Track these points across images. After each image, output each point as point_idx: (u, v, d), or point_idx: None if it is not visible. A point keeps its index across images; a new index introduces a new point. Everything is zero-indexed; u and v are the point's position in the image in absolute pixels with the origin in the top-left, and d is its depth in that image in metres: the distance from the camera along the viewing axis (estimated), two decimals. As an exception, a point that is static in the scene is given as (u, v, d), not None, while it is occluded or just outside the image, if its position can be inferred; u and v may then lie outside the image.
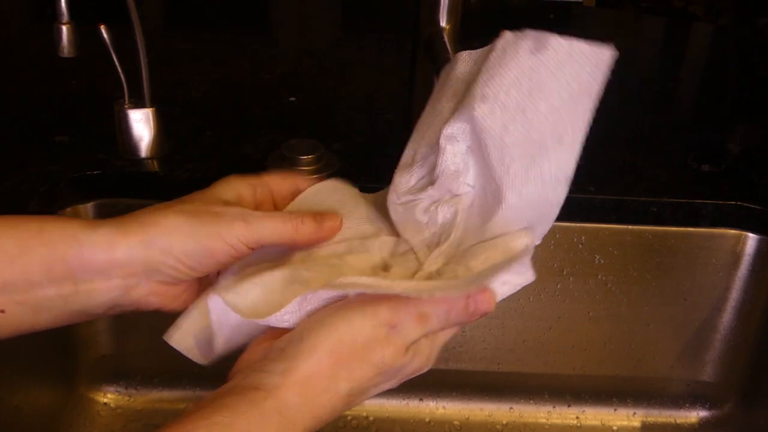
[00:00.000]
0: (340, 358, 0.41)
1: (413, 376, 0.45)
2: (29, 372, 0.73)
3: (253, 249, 0.45)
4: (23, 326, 0.44)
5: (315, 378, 0.40)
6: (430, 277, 0.45)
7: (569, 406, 0.84)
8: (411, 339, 0.43)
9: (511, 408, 0.83)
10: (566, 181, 0.42)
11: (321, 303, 0.42)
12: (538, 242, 0.45)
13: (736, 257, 0.76)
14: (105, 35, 0.67)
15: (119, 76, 0.71)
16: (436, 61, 0.65)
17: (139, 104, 0.73)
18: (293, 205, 0.49)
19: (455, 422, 0.82)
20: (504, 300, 0.78)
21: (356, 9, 1.26)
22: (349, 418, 0.82)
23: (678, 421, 0.84)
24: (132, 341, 0.80)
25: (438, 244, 0.46)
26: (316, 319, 0.42)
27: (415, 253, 0.46)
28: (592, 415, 0.84)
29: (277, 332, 0.43)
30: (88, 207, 0.73)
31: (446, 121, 0.43)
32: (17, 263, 0.42)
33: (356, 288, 0.41)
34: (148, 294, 0.45)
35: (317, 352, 0.41)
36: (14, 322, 0.44)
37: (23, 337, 0.71)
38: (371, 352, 0.41)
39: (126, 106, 0.73)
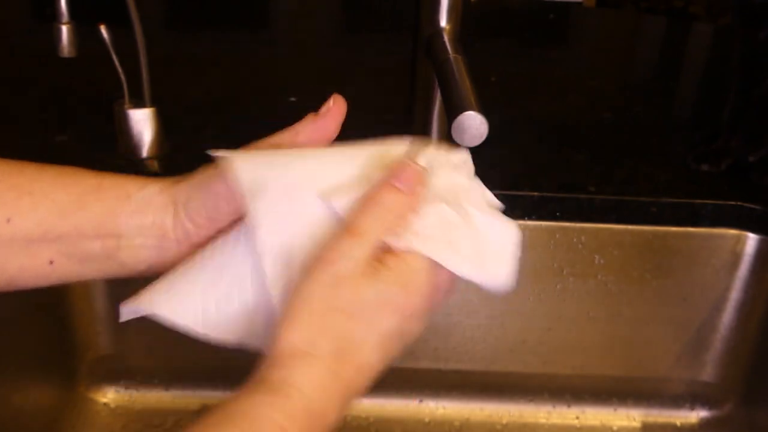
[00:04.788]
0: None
1: (409, 302, 0.42)
2: (29, 372, 0.73)
3: None
4: (70, 276, 0.46)
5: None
6: None
7: (569, 406, 0.84)
8: (363, 253, 0.40)
9: (511, 408, 0.83)
10: None
11: None
12: None
13: (736, 257, 0.76)
14: (105, 35, 0.67)
15: (119, 76, 0.71)
16: (436, 61, 0.65)
17: (139, 104, 0.73)
18: None
19: (455, 422, 0.82)
20: (504, 300, 0.78)
21: (356, 9, 1.26)
22: (348, 418, 0.82)
23: (678, 422, 0.84)
24: (132, 341, 0.80)
25: None
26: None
27: None
28: (592, 415, 0.84)
29: None
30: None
31: None
32: (72, 218, 0.44)
33: None
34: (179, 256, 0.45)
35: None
36: (61, 272, 0.45)
37: (23, 337, 0.72)
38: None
39: (126, 106, 0.73)
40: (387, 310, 0.40)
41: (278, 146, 0.46)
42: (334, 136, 0.47)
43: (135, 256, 0.45)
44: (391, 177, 0.42)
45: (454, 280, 0.43)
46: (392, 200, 0.41)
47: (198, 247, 0.45)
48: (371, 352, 0.40)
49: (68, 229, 0.44)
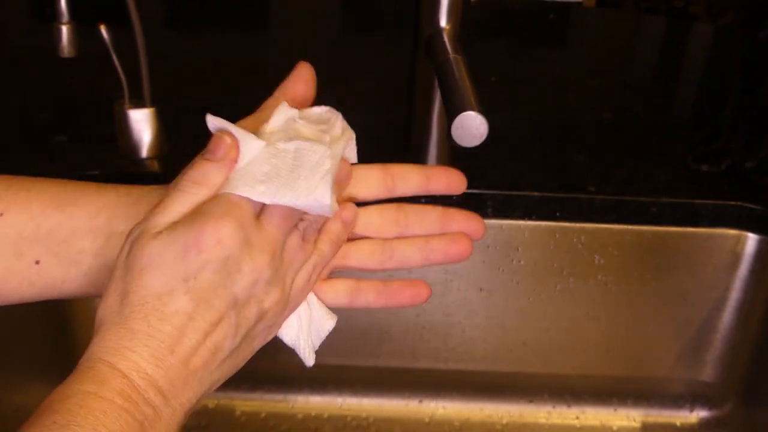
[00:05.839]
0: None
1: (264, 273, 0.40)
2: (29, 372, 0.73)
3: None
4: (54, 282, 0.44)
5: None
6: None
7: (569, 406, 0.84)
8: (161, 219, 0.40)
9: (511, 408, 0.83)
10: None
11: None
12: None
13: (736, 257, 0.76)
14: (105, 35, 0.67)
15: (119, 76, 0.71)
16: (436, 61, 0.65)
17: (139, 104, 0.73)
18: None
19: (455, 422, 0.82)
20: (504, 300, 0.78)
21: (356, 9, 1.26)
22: (348, 418, 0.82)
23: (678, 422, 0.84)
24: (132, 341, 0.80)
25: None
26: None
27: None
28: (592, 415, 0.84)
29: None
30: (88, 207, 0.73)
31: None
32: (68, 209, 0.44)
33: None
34: None
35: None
36: (46, 277, 0.44)
37: (24, 337, 0.71)
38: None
39: (126, 106, 0.73)
40: (181, 252, 0.38)
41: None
42: (308, 99, 0.47)
43: None
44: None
45: (269, 209, 0.41)
46: (198, 168, 0.42)
47: None
48: (181, 298, 0.38)
49: (60, 222, 0.43)
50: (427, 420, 0.83)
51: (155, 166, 0.74)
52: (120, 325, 0.38)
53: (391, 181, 0.47)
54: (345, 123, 0.46)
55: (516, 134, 0.85)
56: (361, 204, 0.47)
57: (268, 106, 0.47)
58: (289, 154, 0.41)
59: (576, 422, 0.83)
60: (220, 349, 0.39)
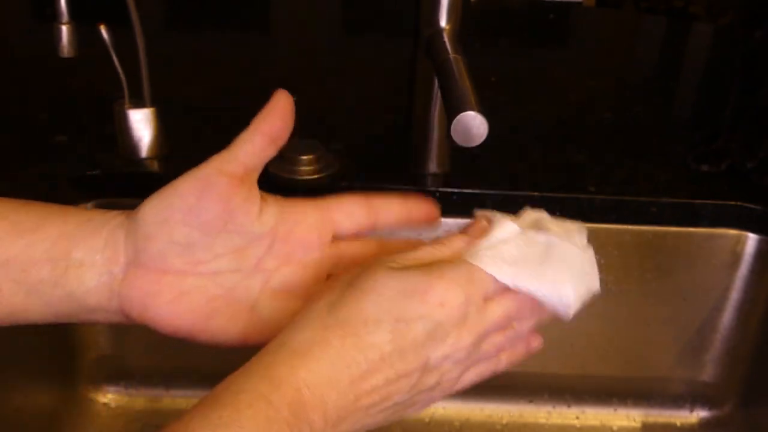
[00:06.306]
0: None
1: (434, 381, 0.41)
2: (29, 372, 0.73)
3: (245, 172, 0.44)
4: (15, 311, 0.44)
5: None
6: None
7: (569, 406, 0.84)
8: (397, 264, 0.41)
9: (511, 408, 0.83)
10: None
11: None
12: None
13: (736, 257, 0.76)
14: (105, 35, 0.67)
15: (119, 76, 0.71)
16: (436, 61, 0.65)
17: (139, 104, 0.73)
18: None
19: (455, 422, 0.82)
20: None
21: (356, 9, 1.26)
22: (349, 418, 0.82)
23: (678, 422, 0.84)
24: (132, 341, 0.80)
25: None
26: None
27: None
28: (592, 415, 0.84)
29: None
30: (88, 207, 0.73)
31: None
32: (27, 237, 0.43)
33: None
34: (134, 287, 0.44)
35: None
36: (7, 305, 0.43)
37: (23, 337, 0.71)
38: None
39: (126, 106, 0.73)
40: (405, 293, 0.39)
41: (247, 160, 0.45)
42: (285, 134, 0.46)
43: (83, 283, 0.43)
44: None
45: (504, 289, 0.42)
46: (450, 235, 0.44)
47: (148, 268, 0.44)
48: (384, 334, 0.39)
49: (19, 250, 0.42)
50: (427, 420, 0.83)
51: (155, 166, 0.74)
52: (317, 330, 0.39)
53: (374, 215, 0.48)
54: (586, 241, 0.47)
55: (516, 134, 0.85)
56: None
57: (240, 140, 0.45)
58: (540, 245, 0.44)
59: (576, 422, 0.83)
60: (389, 399, 0.40)
